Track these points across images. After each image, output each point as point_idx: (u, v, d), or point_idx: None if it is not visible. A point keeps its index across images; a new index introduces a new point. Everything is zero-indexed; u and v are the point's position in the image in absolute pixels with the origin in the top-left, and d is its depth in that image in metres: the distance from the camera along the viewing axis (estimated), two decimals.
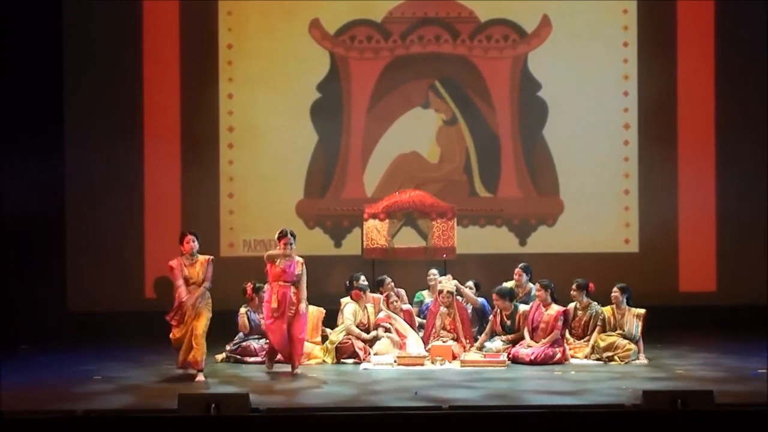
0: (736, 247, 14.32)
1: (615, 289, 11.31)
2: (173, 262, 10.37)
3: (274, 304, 10.39)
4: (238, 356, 11.33)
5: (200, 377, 10.11)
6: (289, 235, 10.49)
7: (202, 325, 10.21)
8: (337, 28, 14.66)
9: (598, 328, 11.30)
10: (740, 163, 14.27)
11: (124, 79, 14.34)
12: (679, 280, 14.49)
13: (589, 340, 11.30)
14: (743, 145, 14.30)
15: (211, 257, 10.50)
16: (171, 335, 10.28)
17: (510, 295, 11.53)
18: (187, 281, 10.30)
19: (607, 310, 11.34)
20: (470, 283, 12.02)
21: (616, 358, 11.00)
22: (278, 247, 10.53)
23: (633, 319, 11.20)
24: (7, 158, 13.24)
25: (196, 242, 10.42)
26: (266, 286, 10.81)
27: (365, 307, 11.59)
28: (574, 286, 11.54)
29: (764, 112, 14.21)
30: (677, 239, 14.46)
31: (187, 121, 14.49)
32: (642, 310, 11.26)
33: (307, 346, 11.01)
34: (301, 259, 10.54)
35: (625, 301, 11.28)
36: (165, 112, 14.43)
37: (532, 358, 10.91)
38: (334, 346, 11.26)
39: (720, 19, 14.47)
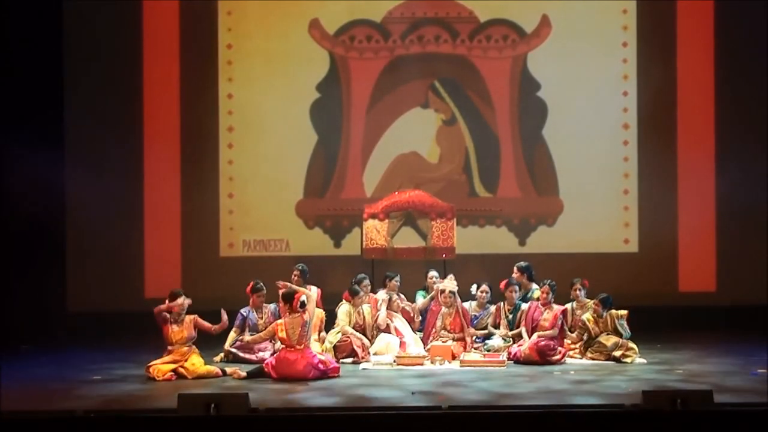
0: (735, 247, 14.33)
1: (595, 302, 11.30)
2: (163, 313, 10.42)
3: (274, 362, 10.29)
4: (237, 352, 11.28)
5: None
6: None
7: (196, 362, 10.30)
8: (337, 28, 14.66)
9: (577, 332, 11.33)
10: (740, 163, 14.26)
11: (124, 79, 14.34)
12: (679, 280, 14.49)
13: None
14: (743, 144, 14.30)
15: (196, 316, 10.49)
16: (156, 372, 10.20)
17: (528, 274, 11.87)
18: (171, 342, 10.36)
19: (588, 320, 11.32)
20: (485, 286, 11.98)
21: (627, 354, 10.99)
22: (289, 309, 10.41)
23: (620, 322, 11.19)
24: (7, 158, 13.24)
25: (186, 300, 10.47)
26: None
27: (360, 309, 11.58)
28: (578, 285, 11.63)
29: (764, 112, 14.21)
30: (677, 239, 14.46)
31: (186, 121, 14.50)
32: (624, 312, 11.27)
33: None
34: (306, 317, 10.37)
35: (605, 311, 11.27)
36: (165, 111, 14.44)
37: (531, 344, 10.93)
38: (332, 345, 11.28)
39: (720, 19, 14.47)
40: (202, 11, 14.56)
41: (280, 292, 10.77)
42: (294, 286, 10.77)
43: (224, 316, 10.49)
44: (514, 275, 11.98)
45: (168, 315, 10.39)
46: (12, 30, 13.57)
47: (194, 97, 14.50)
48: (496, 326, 11.73)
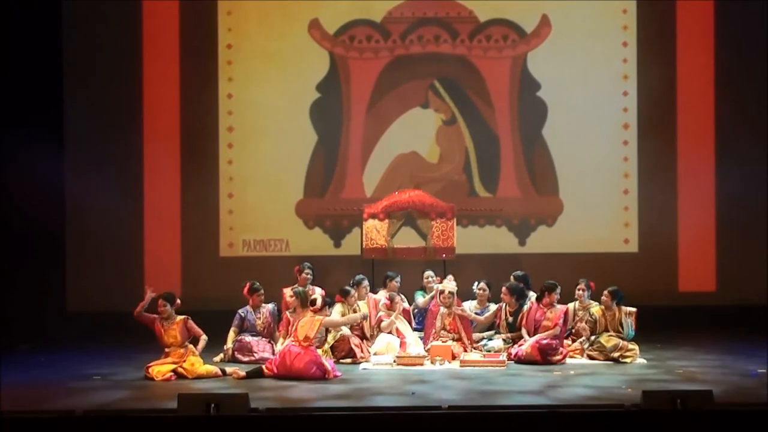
0: (736, 247, 14.32)
1: (606, 293, 11.32)
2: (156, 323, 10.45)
3: (278, 358, 10.32)
4: (236, 352, 11.27)
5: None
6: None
7: (195, 362, 10.32)
8: (337, 28, 14.66)
9: (587, 324, 11.33)
10: (740, 162, 14.26)
11: (124, 79, 14.34)
12: (679, 280, 14.49)
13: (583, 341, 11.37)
14: (743, 143, 14.30)
15: (187, 317, 10.50)
16: (156, 372, 10.20)
17: (518, 294, 11.61)
18: (166, 345, 10.40)
19: (597, 311, 11.35)
20: (483, 284, 11.98)
21: (627, 355, 10.99)
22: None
23: (625, 319, 11.20)
24: (6, 158, 13.24)
25: (168, 306, 10.46)
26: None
27: (356, 307, 11.59)
28: (582, 285, 11.62)
29: (764, 112, 14.21)
30: (677, 239, 14.46)
31: (186, 120, 14.50)
32: (633, 309, 11.27)
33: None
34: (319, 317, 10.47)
35: (614, 303, 11.28)
36: (165, 111, 14.44)
37: (533, 343, 10.90)
38: (330, 345, 11.28)
39: (720, 19, 14.47)
40: (202, 11, 14.57)
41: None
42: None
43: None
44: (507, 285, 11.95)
45: (152, 315, 10.41)
46: (12, 30, 13.56)
47: (194, 97, 14.50)
48: (497, 327, 11.73)
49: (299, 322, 10.35)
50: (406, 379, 10.01)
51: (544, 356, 10.91)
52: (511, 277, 12.04)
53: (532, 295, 11.79)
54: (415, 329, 11.86)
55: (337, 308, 11.54)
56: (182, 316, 10.49)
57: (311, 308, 10.46)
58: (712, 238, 14.46)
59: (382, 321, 11.55)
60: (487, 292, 11.92)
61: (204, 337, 10.53)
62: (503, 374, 10.34)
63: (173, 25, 14.49)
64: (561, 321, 11.12)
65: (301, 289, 11.00)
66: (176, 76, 14.47)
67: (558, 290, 11.35)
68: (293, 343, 10.24)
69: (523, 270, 12.33)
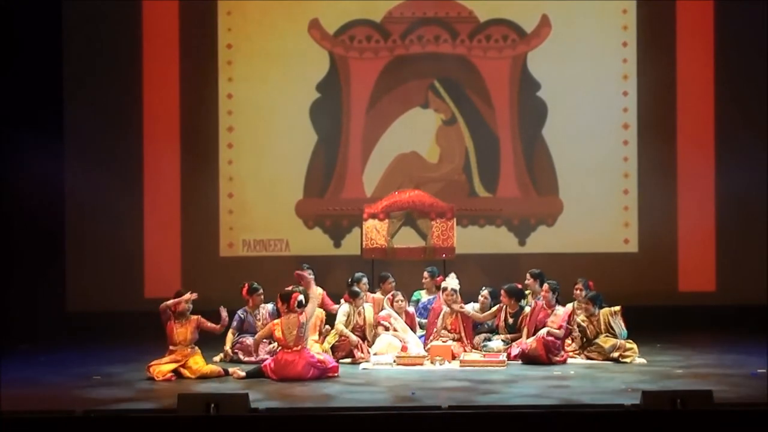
0: (735, 247, 14.32)
1: (585, 300, 11.28)
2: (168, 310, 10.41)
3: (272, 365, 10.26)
4: (237, 353, 11.27)
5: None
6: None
7: (199, 362, 10.33)
8: (337, 28, 14.66)
9: (576, 335, 11.30)
10: (740, 163, 14.25)
11: (124, 79, 14.35)
12: (679, 280, 14.49)
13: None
14: (743, 143, 14.30)
15: (199, 317, 10.48)
16: (156, 372, 10.18)
17: (517, 296, 11.53)
18: (174, 343, 10.36)
19: (581, 320, 11.28)
20: (485, 292, 11.92)
21: (626, 355, 10.98)
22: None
23: (614, 320, 11.16)
24: (6, 157, 13.24)
25: (191, 303, 10.46)
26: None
27: (361, 309, 11.55)
28: (580, 285, 11.59)
29: (764, 112, 14.21)
30: (677, 239, 14.46)
31: (186, 121, 14.50)
32: (617, 307, 11.24)
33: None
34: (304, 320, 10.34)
35: (597, 309, 11.24)
36: (165, 111, 14.44)
37: (539, 338, 10.87)
38: (330, 345, 11.27)
39: (720, 19, 14.48)
40: (202, 11, 14.57)
41: (298, 287, 10.77)
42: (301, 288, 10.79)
43: (223, 314, 10.55)
44: (527, 281, 11.89)
45: (171, 313, 10.39)
46: (12, 30, 13.56)
47: (194, 97, 14.51)
48: (496, 328, 11.70)
49: (284, 326, 10.28)
50: (407, 379, 10.01)
51: (548, 352, 10.86)
52: (528, 274, 11.96)
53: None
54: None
55: (344, 309, 11.50)
56: (195, 316, 10.48)
57: (284, 307, 10.37)
58: (712, 238, 14.46)
59: (381, 321, 11.51)
60: (489, 300, 11.81)
61: (218, 327, 10.53)
62: (503, 374, 10.33)
63: (173, 25, 14.49)
64: (566, 324, 11.06)
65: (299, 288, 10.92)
66: (176, 76, 14.48)
67: (544, 286, 11.27)
68: (285, 349, 10.20)
69: (532, 270, 12.22)
